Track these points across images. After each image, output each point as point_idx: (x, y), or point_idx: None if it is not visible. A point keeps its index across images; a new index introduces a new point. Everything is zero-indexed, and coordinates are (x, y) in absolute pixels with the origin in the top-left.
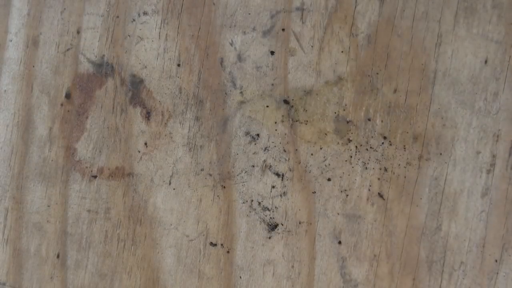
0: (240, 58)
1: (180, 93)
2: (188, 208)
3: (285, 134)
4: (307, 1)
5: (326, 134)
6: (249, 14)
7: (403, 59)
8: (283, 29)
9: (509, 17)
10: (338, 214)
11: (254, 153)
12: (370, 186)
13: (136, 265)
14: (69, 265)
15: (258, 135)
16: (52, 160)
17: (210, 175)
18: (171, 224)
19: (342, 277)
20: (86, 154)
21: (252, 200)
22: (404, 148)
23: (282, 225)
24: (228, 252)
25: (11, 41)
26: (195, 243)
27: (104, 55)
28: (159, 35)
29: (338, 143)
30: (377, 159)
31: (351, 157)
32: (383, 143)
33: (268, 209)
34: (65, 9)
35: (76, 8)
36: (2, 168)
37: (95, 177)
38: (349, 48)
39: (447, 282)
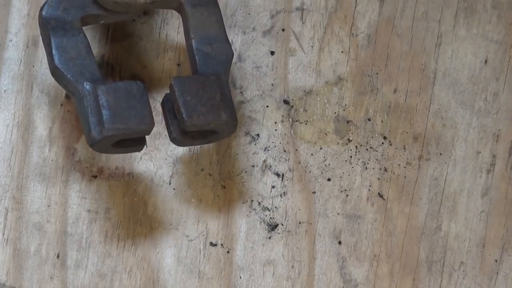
0: (240, 58)
1: None
2: (188, 208)
3: (285, 134)
4: (307, 1)
5: (326, 134)
6: (249, 14)
7: (403, 59)
8: (283, 29)
9: (509, 17)
10: (338, 214)
11: (254, 153)
12: (370, 186)
13: (136, 265)
14: (69, 265)
15: (258, 135)
16: (52, 160)
17: (210, 175)
18: (171, 224)
19: (342, 277)
20: (86, 154)
21: (252, 200)
22: (404, 148)
23: (282, 225)
24: (228, 252)
25: (11, 41)
26: (195, 243)
27: (104, 55)
28: (159, 35)
29: (338, 143)
30: (377, 159)
31: (351, 157)
32: (383, 143)
33: (268, 209)
34: None
35: None
36: (2, 168)
37: (95, 177)
38: (349, 48)
39: (447, 282)
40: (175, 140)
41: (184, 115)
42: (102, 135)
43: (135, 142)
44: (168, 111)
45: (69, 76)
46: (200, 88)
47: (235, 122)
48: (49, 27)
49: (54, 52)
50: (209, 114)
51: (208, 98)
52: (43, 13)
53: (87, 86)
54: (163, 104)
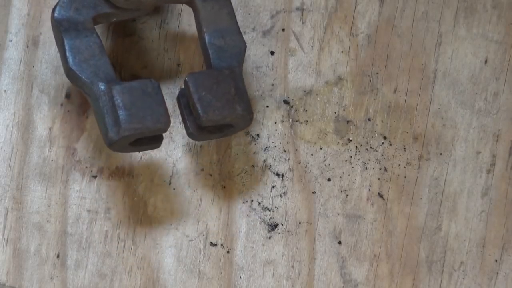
0: None
1: None
2: (188, 208)
3: (285, 134)
4: (307, 1)
5: (326, 134)
6: (249, 14)
7: (403, 59)
8: (283, 29)
9: (509, 17)
10: (338, 214)
11: (254, 153)
12: (370, 186)
13: (136, 265)
14: (69, 265)
15: (258, 135)
16: (52, 160)
17: (210, 175)
18: (171, 224)
19: (342, 277)
20: (86, 154)
21: (252, 200)
22: (404, 148)
23: (282, 225)
24: (228, 252)
25: (11, 41)
26: (195, 243)
27: None
28: (159, 35)
29: (338, 143)
30: (377, 159)
31: (351, 157)
32: (383, 143)
33: (268, 209)
34: None
35: None
36: (2, 168)
37: (95, 177)
38: (349, 48)
39: (447, 282)
40: (192, 135)
41: (199, 111)
42: (119, 135)
43: (152, 140)
44: (183, 106)
45: (83, 77)
46: (214, 82)
47: (250, 115)
48: (62, 28)
49: (68, 54)
50: (224, 108)
51: (222, 92)
52: (55, 14)
53: (102, 86)
54: (178, 99)
